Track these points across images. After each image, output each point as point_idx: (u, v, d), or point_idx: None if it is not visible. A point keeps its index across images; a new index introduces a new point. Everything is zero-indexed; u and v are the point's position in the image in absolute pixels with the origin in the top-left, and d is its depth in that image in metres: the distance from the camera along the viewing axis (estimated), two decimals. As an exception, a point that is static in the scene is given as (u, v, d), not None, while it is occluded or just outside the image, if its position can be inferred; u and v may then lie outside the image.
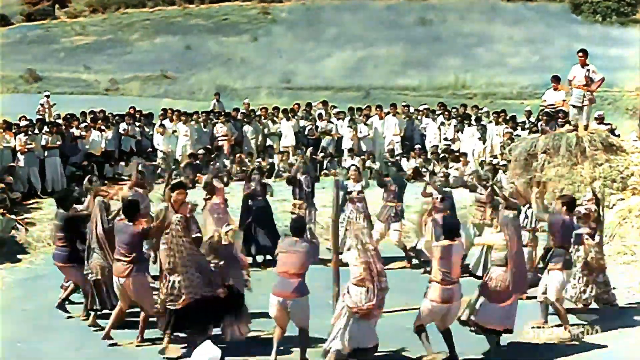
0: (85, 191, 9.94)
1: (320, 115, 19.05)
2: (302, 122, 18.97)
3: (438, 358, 7.64)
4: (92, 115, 18.44)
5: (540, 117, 15.53)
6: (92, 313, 8.87)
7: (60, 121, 17.99)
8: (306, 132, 18.73)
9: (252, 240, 11.55)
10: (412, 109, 19.49)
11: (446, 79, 34.69)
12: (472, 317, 7.82)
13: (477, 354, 7.92)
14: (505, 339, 8.01)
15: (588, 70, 12.92)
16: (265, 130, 18.88)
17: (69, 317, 9.18)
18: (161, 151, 17.96)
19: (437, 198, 10.73)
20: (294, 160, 16.94)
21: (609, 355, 7.97)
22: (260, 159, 17.85)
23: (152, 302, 8.16)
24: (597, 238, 9.20)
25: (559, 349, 8.12)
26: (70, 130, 17.10)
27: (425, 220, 10.09)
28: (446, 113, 18.99)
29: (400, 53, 39.84)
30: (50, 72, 37.86)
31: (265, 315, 7.90)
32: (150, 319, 8.31)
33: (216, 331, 8.06)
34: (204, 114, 18.96)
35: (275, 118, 19.01)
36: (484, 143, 17.78)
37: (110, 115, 18.87)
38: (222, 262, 8.05)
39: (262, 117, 19.03)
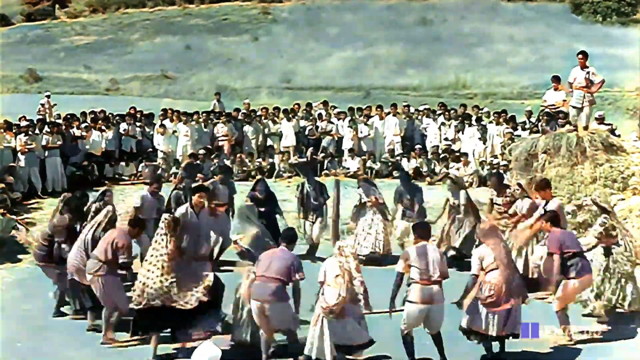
0: (102, 204, 9.81)
1: (320, 115, 19.05)
2: (303, 122, 18.97)
3: None
4: (93, 115, 18.47)
5: (540, 117, 15.53)
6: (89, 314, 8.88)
7: (60, 121, 18.01)
8: (307, 132, 18.74)
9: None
10: (412, 109, 19.49)
11: (446, 79, 34.60)
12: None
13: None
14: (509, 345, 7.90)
15: (588, 72, 12.87)
16: (266, 131, 18.88)
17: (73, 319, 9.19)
18: (161, 151, 17.98)
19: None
20: (294, 161, 16.97)
21: (609, 355, 7.97)
22: (260, 159, 17.87)
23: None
24: (621, 243, 8.98)
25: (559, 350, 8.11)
26: (71, 130, 17.13)
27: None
28: (447, 113, 18.98)
29: (400, 53, 39.77)
30: (50, 72, 37.76)
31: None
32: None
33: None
34: (204, 114, 18.96)
35: (275, 118, 19.01)
36: (484, 143, 17.80)
37: (110, 115, 18.90)
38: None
39: (263, 117, 19.03)
